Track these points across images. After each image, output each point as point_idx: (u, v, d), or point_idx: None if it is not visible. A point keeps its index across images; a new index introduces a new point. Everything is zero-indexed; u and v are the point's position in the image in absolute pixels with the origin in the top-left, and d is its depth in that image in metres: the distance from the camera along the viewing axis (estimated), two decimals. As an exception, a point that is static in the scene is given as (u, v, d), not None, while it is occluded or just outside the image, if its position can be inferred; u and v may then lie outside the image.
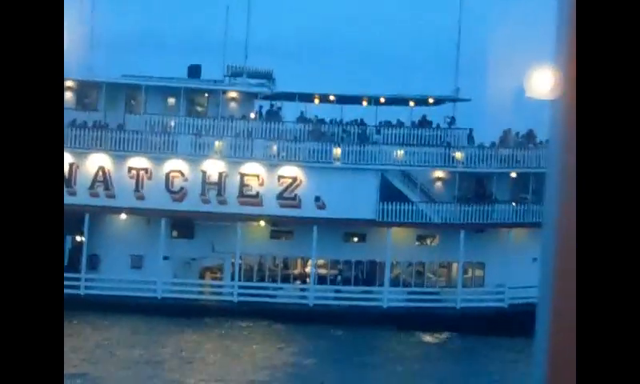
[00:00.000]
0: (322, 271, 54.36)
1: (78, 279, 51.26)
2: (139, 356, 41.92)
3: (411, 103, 57.01)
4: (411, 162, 54.07)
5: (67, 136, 50.82)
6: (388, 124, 55.75)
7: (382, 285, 53.39)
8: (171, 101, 55.23)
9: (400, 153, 53.98)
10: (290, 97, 56.30)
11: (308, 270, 54.21)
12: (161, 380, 38.08)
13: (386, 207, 53.13)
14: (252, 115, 56.00)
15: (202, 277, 54.93)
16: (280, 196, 53.20)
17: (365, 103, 57.36)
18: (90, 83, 54.93)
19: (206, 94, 56.23)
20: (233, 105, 56.04)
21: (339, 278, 54.25)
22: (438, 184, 55.34)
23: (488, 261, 54.41)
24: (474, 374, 42.96)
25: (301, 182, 53.29)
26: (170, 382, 37.81)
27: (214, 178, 53.17)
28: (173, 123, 53.97)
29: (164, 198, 52.86)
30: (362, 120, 56.23)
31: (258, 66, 56.78)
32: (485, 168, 54.31)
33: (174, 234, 54.17)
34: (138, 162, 52.92)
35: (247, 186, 53.20)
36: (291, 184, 53.25)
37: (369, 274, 54.51)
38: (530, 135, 55.80)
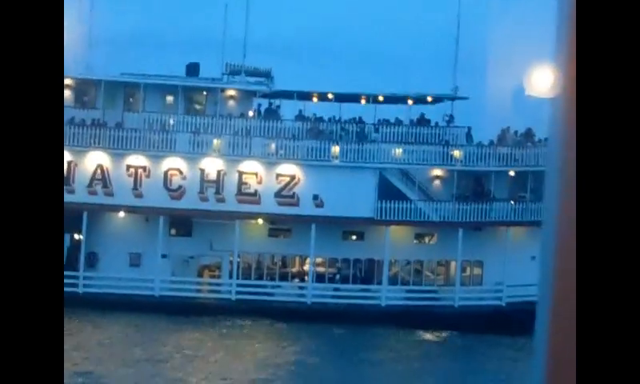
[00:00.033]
0: (321, 269, 54.38)
1: (76, 277, 51.27)
2: (141, 354, 41.89)
3: (410, 101, 57.06)
4: (410, 161, 54.08)
5: (65, 134, 50.80)
6: (386, 122, 55.79)
7: (380, 283, 53.42)
8: (170, 99, 55.24)
9: (398, 151, 54.01)
10: (288, 95, 56.34)
11: (306, 268, 54.24)
12: (164, 379, 38.07)
13: (384, 205, 53.16)
14: (250, 113, 56.02)
15: (200, 275, 54.95)
16: (278, 194, 53.22)
17: (363, 101, 57.41)
18: (89, 81, 54.95)
19: (205, 92, 56.26)
20: (231, 103, 56.06)
21: (338, 276, 54.27)
22: (437, 182, 55.38)
23: (486, 259, 54.44)
24: (473, 371, 43.00)
25: (299, 180, 53.32)
26: (174, 380, 37.82)
27: (213, 176, 53.19)
28: (171, 121, 53.97)
29: (162, 196, 52.88)
30: (360, 118, 56.26)
31: (257, 65, 56.82)
32: (483, 166, 54.35)
33: (173, 232, 54.19)
34: (137, 160, 52.93)
35: (245, 184, 53.22)
36: (289, 182, 53.28)
37: (367, 272, 54.54)
38: (528, 133, 55.85)
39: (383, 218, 53.19)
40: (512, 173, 55.39)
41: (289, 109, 57.03)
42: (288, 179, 53.27)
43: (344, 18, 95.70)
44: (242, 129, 54.09)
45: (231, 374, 39.51)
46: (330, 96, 56.95)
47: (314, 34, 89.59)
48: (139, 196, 52.95)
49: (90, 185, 52.70)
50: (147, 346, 43.54)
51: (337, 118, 56.35)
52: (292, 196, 53.24)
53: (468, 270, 55.11)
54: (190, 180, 53.05)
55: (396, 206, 53.21)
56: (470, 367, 43.97)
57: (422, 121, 56.10)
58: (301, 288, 53.82)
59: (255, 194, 53.20)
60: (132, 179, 52.97)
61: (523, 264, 52.08)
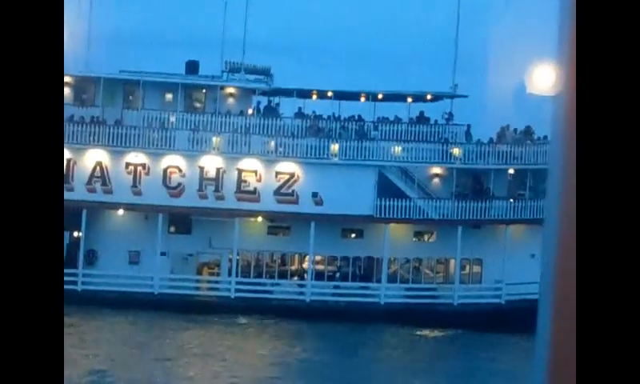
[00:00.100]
0: (320, 267, 54.36)
1: (75, 275, 51.26)
2: (147, 353, 41.86)
3: (409, 99, 57.08)
4: (409, 159, 54.08)
5: (65, 131, 50.78)
6: (386, 120, 55.78)
7: (379, 281, 53.42)
8: (169, 96, 55.22)
9: (398, 149, 54.00)
10: (287, 93, 56.32)
11: (305, 266, 54.23)
12: (176, 378, 38.04)
13: (383, 203, 53.15)
14: (250, 111, 56.01)
15: (199, 272, 54.94)
16: (277, 192, 53.22)
17: (363, 99, 57.40)
18: (88, 79, 54.92)
19: (204, 90, 56.23)
20: (230, 100, 56.04)
21: (338, 274, 54.25)
22: (436, 180, 55.39)
23: (486, 257, 54.44)
24: (472, 369, 43.00)
25: (298, 177, 53.32)
26: (187, 380, 37.82)
27: (212, 173, 53.19)
28: (171, 119, 53.95)
29: (161, 194, 52.87)
30: (359, 116, 56.24)
31: (256, 63, 56.81)
32: (482, 164, 54.35)
33: (172, 229, 54.17)
34: (136, 157, 52.92)
35: (245, 181, 53.22)
36: (289, 180, 53.27)
37: (366, 270, 54.54)
38: (527, 131, 55.85)
39: (382, 215, 53.18)
40: (511, 171, 55.41)
41: (288, 106, 57.05)
42: (287, 177, 53.27)
43: (343, 17, 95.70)
44: (241, 126, 54.09)
45: (242, 372, 39.50)
46: (329, 94, 56.92)
47: (313, 33, 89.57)
48: (138, 194, 52.94)
49: (89, 182, 52.69)
50: (152, 345, 43.48)
51: (336, 116, 56.34)
52: (291, 194, 53.24)
53: (467, 267, 55.10)
54: (189, 178, 53.05)
55: (395, 203, 53.20)
56: (469, 365, 43.97)
57: (422, 119, 56.09)
58: (300, 286, 53.82)
59: (254, 191, 53.19)
60: (131, 177, 52.96)
61: (522, 262, 52.12)
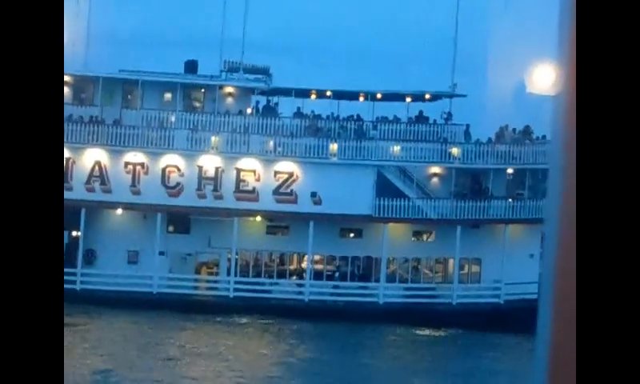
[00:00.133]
0: (319, 267, 54.36)
1: (74, 274, 51.25)
2: (149, 353, 41.87)
3: (408, 99, 57.11)
4: (408, 158, 54.08)
5: (63, 131, 50.81)
6: (385, 120, 55.79)
7: (378, 281, 53.42)
8: (168, 96, 55.22)
9: (396, 149, 54.00)
10: (286, 92, 56.32)
11: (304, 265, 54.22)
12: (180, 378, 38.04)
13: (382, 203, 53.15)
14: (249, 110, 56.01)
15: (198, 272, 54.94)
16: (276, 191, 53.22)
17: (362, 99, 57.40)
18: (87, 78, 54.90)
19: (203, 90, 56.24)
20: (229, 100, 56.04)
21: (337, 274, 54.24)
22: (435, 180, 55.40)
23: (484, 257, 54.43)
24: (471, 369, 43.03)
25: (297, 177, 53.32)
26: (191, 380, 37.82)
27: (211, 173, 53.19)
28: (169, 118, 53.94)
29: (160, 193, 52.87)
30: (358, 116, 56.25)
31: (255, 62, 56.81)
32: (481, 164, 54.35)
33: (170, 229, 54.17)
34: (135, 157, 52.91)
35: (243, 181, 53.21)
36: (287, 179, 53.27)
37: (365, 269, 54.55)
38: (526, 131, 55.87)
39: (381, 215, 53.17)
40: (510, 170, 55.44)
41: (287, 106, 57.05)
42: (286, 176, 53.27)
43: (342, 17, 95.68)
44: (240, 126, 54.09)
45: (247, 372, 39.50)
46: (328, 93, 56.91)
47: (312, 33, 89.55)
48: (137, 193, 52.94)
49: (87, 182, 52.69)
50: (153, 345, 43.45)
51: (335, 116, 56.35)
52: (290, 193, 53.24)
53: (466, 267, 55.10)
54: (187, 177, 53.04)
55: (394, 203, 53.20)
56: (468, 364, 43.99)
57: (421, 118, 56.10)
58: (299, 285, 53.82)
59: (253, 191, 53.19)
60: (130, 176, 52.96)
61: (521, 262, 52.17)
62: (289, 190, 53.24)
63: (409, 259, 55.31)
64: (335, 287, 53.52)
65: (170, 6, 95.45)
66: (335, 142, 53.80)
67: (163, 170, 53.05)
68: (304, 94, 56.87)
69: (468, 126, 55.69)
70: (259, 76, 56.46)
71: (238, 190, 53.14)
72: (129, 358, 40.60)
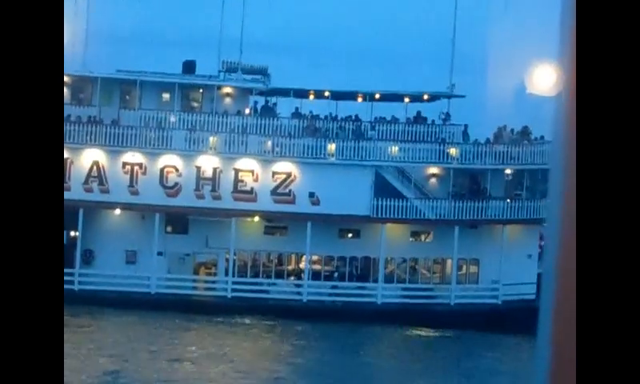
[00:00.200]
0: (317, 267, 54.36)
1: (72, 274, 51.22)
2: (159, 353, 41.89)
3: (406, 99, 57.12)
4: (406, 159, 54.06)
5: (64, 131, 50.83)
6: (383, 120, 55.80)
7: (376, 281, 53.41)
8: (166, 96, 55.20)
9: (395, 149, 53.99)
10: (284, 93, 56.29)
11: (302, 265, 54.21)
12: (192, 379, 38.08)
13: (380, 203, 53.14)
14: (247, 111, 56.00)
15: (196, 272, 54.91)
16: (274, 192, 53.20)
17: (360, 99, 57.40)
18: (85, 78, 54.87)
19: (201, 90, 56.23)
20: (227, 100, 56.02)
21: (336, 274, 54.22)
22: (433, 180, 55.39)
23: (482, 257, 54.43)
24: (470, 369, 43.04)
25: (295, 177, 53.31)
26: (197, 379, 37.85)
27: (209, 173, 53.17)
28: (167, 118, 53.91)
29: (158, 194, 52.86)
30: (356, 116, 56.27)
31: (253, 62, 56.79)
32: (479, 164, 54.34)
33: (169, 229, 54.16)
34: (133, 157, 52.89)
35: (241, 181, 53.19)
36: (286, 180, 53.27)
37: (363, 270, 54.55)
38: (524, 132, 55.87)
39: (379, 215, 53.17)
40: (508, 171, 55.46)
41: (285, 106, 57.01)
42: (284, 177, 53.26)
43: (341, 17, 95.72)
44: (238, 126, 54.08)
45: (251, 372, 39.53)
46: (326, 94, 56.93)
47: (311, 33, 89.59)
48: (135, 193, 52.92)
49: (86, 182, 52.66)
50: (160, 345, 43.42)
51: (333, 116, 56.35)
52: (288, 194, 53.24)
53: (464, 268, 55.10)
54: (185, 177, 53.02)
55: (392, 203, 53.19)
56: (468, 365, 43.99)
57: (419, 119, 56.12)
58: (297, 286, 53.81)
59: (251, 191, 53.18)
60: (128, 176, 52.93)
61: (519, 262, 52.20)
62: (287, 191, 53.23)
63: (407, 259, 55.30)
64: (334, 287, 53.50)
65: (168, 6, 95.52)
66: (333, 142, 53.80)
67: (161, 171, 53.03)
68: (302, 94, 56.86)
69: (466, 126, 55.71)
70: (257, 76, 56.45)
71: (236, 190, 53.13)
72: (137, 358, 40.55)
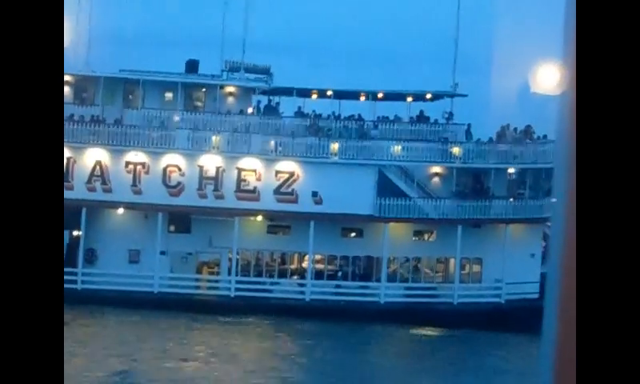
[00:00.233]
0: (319, 266, 54.34)
1: (75, 274, 51.26)
2: (168, 352, 41.91)
3: (409, 99, 57.11)
4: (409, 158, 54.04)
5: (64, 130, 50.78)
6: (386, 119, 55.79)
7: (378, 280, 53.39)
8: (169, 96, 55.20)
9: (397, 148, 53.96)
10: (287, 92, 56.28)
11: (305, 265, 54.19)
12: (202, 378, 38.11)
13: (383, 203, 53.11)
14: (249, 110, 55.99)
15: (199, 272, 54.88)
16: (277, 191, 53.19)
17: (362, 98, 57.41)
18: (88, 78, 54.89)
19: (204, 89, 56.22)
20: (230, 100, 56.02)
21: (340, 273, 54.21)
22: (436, 179, 55.34)
23: (485, 256, 54.39)
24: (472, 368, 43.04)
25: (298, 177, 53.29)
26: (205, 378, 37.87)
27: (212, 172, 53.16)
28: (170, 118, 53.92)
29: (161, 193, 52.86)
30: (359, 115, 56.24)
31: (256, 62, 56.79)
32: (482, 164, 54.30)
33: (171, 228, 54.14)
34: (136, 156, 52.89)
35: (244, 180, 53.18)
36: (288, 179, 53.24)
37: (366, 269, 54.52)
38: (527, 131, 55.81)
39: (382, 215, 53.14)
40: (511, 170, 55.42)
41: (288, 106, 57.04)
42: (287, 176, 53.24)
43: (344, 17, 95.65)
44: (241, 126, 54.08)
45: (262, 371, 39.57)
46: (329, 93, 56.91)
47: (313, 33, 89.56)
48: (138, 193, 52.92)
49: (88, 181, 52.66)
50: (169, 345, 43.42)
51: (336, 115, 56.34)
52: (291, 193, 53.22)
53: (467, 267, 55.06)
54: (188, 177, 53.01)
55: (395, 203, 53.17)
56: (471, 364, 44.00)
57: (422, 118, 56.09)
58: (300, 285, 53.79)
59: (254, 190, 53.16)
60: (131, 176, 52.94)
61: (522, 261, 52.19)
62: (290, 190, 53.21)
63: (410, 259, 55.28)
64: (337, 287, 53.47)
65: (171, 6, 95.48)
66: (336, 141, 53.78)
67: (164, 170, 53.04)
68: (305, 93, 56.85)
69: (469, 125, 55.68)
70: (260, 76, 56.42)
71: (238, 189, 53.13)
72: (146, 358, 40.54)
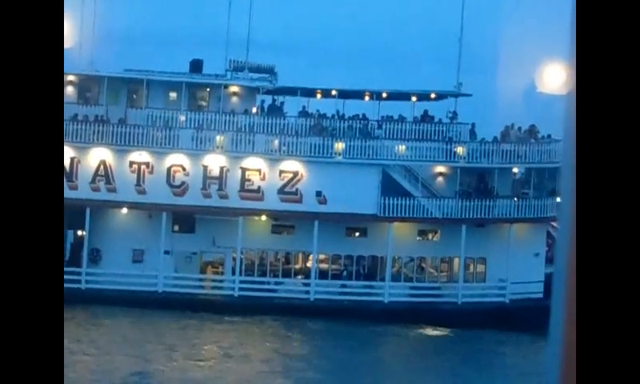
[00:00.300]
0: (324, 266, 54.34)
1: (79, 273, 51.31)
2: (181, 353, 41.94)
3: (413, 98, 57.06)
4: (413, 157, 54.04)
5: (69, 130, 50.92)
6: (390, 119, 55.77)
7: (383, 280, 53.38)
8: (173, 95, 55.21)
9: (402, 148, 53.95)
10: (291, 91, 56.26)
11: (309, 264, 54.19)
12: (222, 379, 38.12)
13: (387, 202, 53.11)
14: (254, 110, 55.99)
15: (203, 271, 54.90)
16: (281, 191, 53.19)
17: (367, 98, 57.38)
18: (92, 77, 54.89)
19: (208, 89, 56.24)
20: (235, 99, 56.03)
21: (344, 273, 54.21)
22: (440, 179, 55.33)
23: (490, 256, 54.37)
24: (476, 368, 43.05)
25: (302, 176, 53.29)
26: (217, 378, 37.90)
27: (216, 172, 53.17)
28: (175, 117, 53.92)
29: (165, 193, 52.88)
30: (363, 115, 56.24)
31: (260, 61, 56.80)
32: (486, 163, 54.28)
33: (175, 228, 54.15)
34: (140, 156, 52.91)
35: (248, 180, 53.19)
36: (292, 179, 53.25)
37: (370, 269, 54.52)
38: (531, 130, 55.79)
39: (386, 214, 53.13)
40: (515, 169, 55.41)
41: (292, 105, 56.98)
42: (291, 176, 53.24)
43: (348, 17, 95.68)
44: (245, 125, 54.11)
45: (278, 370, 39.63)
46: (333, 93, 56.90)
47: (317, 32, 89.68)
48: (142, 192, 52.93)
49: (92, 181, 52.68)
50: (181, 345, 43.42)
51: (340, 115, 56.34)
52: (295, 192, 53.22)
53: (471, 266, 55.04)
54: (192, 176, 53.02)
55: (399, 202, 53.15)
56: (473, 363, 43.99)
57: (426, 117, 56.08)
58: (304, 285, 53.79)
59: (258, 190, 53.17)
60: (135, 175, 52.95)
61: (527, 261, 52.18)
62: (294, 189, 53.22)
63: (414, 258, 55.26)
64: (343, 286, 53.47)
65: (175, 6, 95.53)
66: (340, 141, 53.77)
67: (168, 170, 53.05)
68: (309, 93, 56.85)
69: (473, 125, 55.65)
70: (264, 75, 56.42)
71: (243, 189, 53.14)
72: (159, 358, 40.56)
